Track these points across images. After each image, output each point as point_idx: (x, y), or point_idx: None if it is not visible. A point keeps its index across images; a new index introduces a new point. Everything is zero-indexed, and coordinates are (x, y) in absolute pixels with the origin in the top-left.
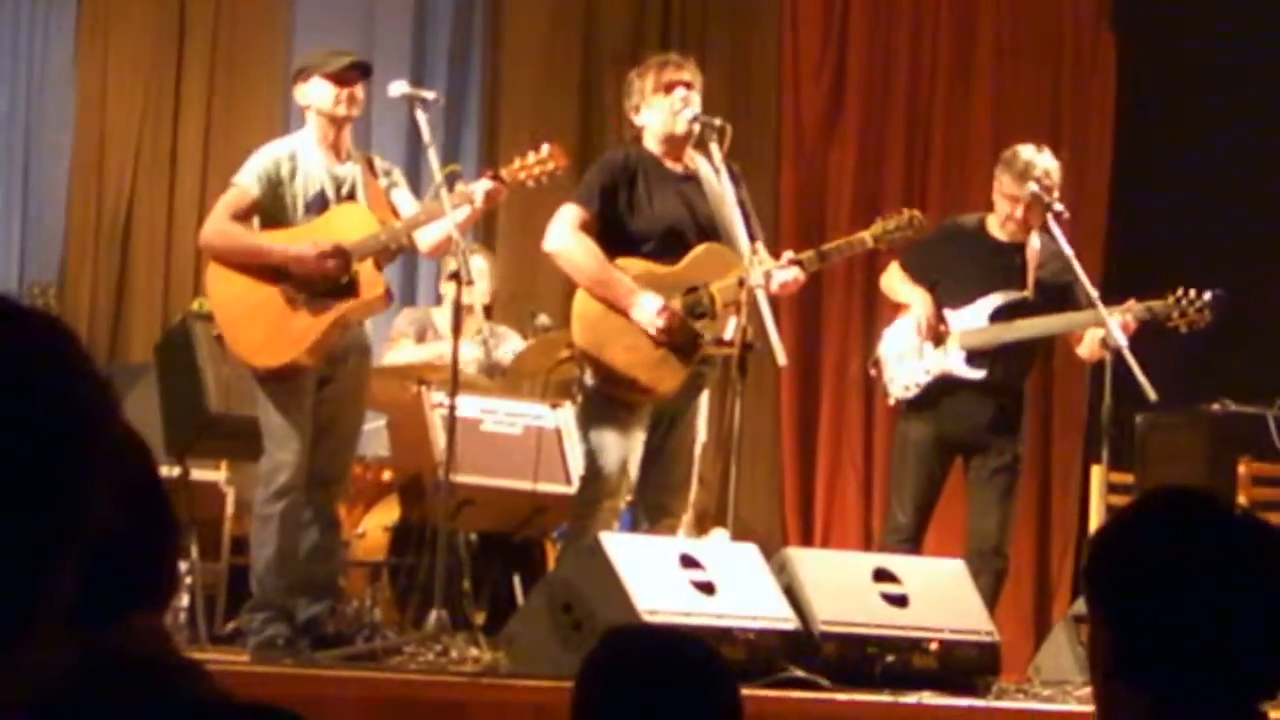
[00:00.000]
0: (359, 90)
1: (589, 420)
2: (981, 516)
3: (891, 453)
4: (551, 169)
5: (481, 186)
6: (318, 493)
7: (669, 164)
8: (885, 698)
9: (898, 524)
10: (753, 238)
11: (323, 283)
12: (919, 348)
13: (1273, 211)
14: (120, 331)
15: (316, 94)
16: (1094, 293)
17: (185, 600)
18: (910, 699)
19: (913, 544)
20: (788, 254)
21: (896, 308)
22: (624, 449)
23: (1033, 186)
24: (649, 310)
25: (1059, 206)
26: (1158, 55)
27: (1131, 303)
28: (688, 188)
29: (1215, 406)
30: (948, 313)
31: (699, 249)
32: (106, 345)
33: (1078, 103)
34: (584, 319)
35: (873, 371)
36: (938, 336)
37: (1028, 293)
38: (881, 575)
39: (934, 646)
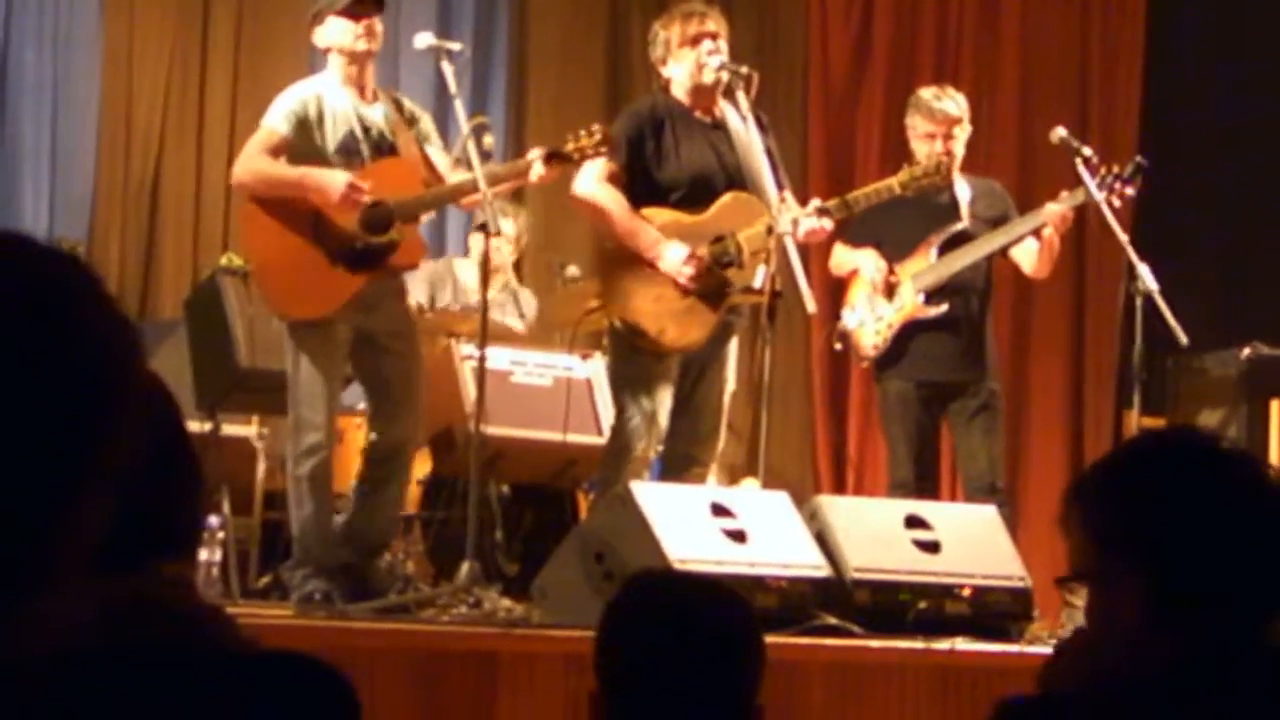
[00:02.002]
0: (376, 23)
1: (617, 371)
2: (970, 459)
3: (879, 414)
4: (604, 151)
5: (538, 165)
6: (387, 449)
7: (698, 114)
8: (918, 644)
9: (899, 479)
10: (780, 186)
11: (350, 240)
12: (875, 305)
13: None
14: (150, 288)
15: (334, 33)
16: (1023, 231)
17: (218, 555)
18: (943, 645)
19: (918, 497)
20: (815, 202)
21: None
22: (653, 400)
23: (1061, 131)
24: (675, 259)
25: (1088, 151)
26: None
27: (1063, 194)
28: (716, 137)
29: (1246, 349)
30: (897, 266)
31: (726, 197)
32: (136, 302)
33: (1106, 45)
34: (609, 270)
35: (838, 345)
36: (891, 288)
37: (965, 224)
38: (913, 522)
39: (966, 592)
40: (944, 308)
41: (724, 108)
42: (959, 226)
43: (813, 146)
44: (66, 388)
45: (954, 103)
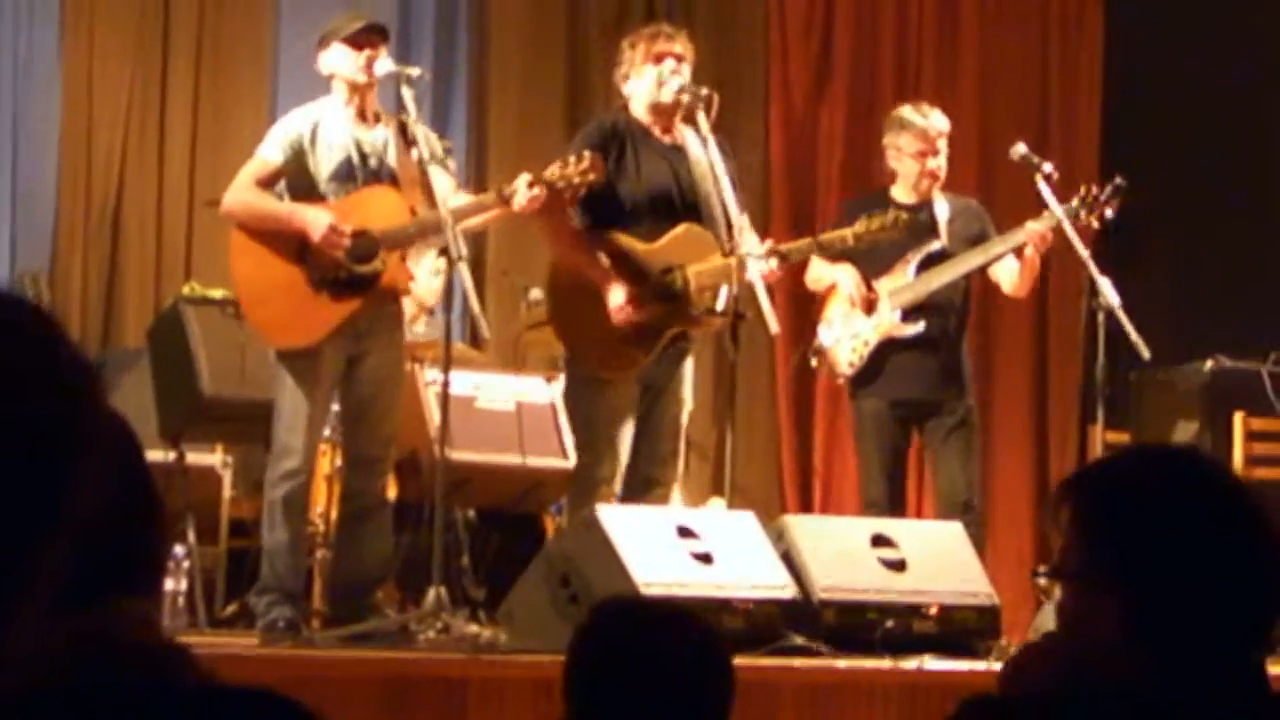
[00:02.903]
0: (380, 53)
1: (573, 398)
2: (946, 478)
3: (853, 432)
4: (591, 179)
5: (522, 192)
6: (360, 473)
7: (657, 134)
8: (886, 663)
9: (871, 499)
10: (740, 211)
11: (335, 269)
12: (853, 321)
13: (1263, 172)
14: (113, 318)
15: (338, 60)
16: (1001, 250)
17: (184, 584)
18: (911, 664)
19: (890, 515)
20: (768, 243)
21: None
22: (611, 424)
23: (1021, 148)
24: (615, 300)
25: (1048, 167)
26: (1145, 17)
27: (1045, 213)
28: (675, 158)
29: (1210, 363)
30: (875, 283)
31: (679, 229)
32: (99, 332)
33: (1065, 64)
34: (557, 292)
35: (814, 361)
36: (869, 304)
37: (944, 242)
38: (879, 540)
39: (934, 610)
40: (920, 326)
41: (683, 132)
42: (937, 244)
43: (774, 168)
44: (23, 436)
45: (939, 116)
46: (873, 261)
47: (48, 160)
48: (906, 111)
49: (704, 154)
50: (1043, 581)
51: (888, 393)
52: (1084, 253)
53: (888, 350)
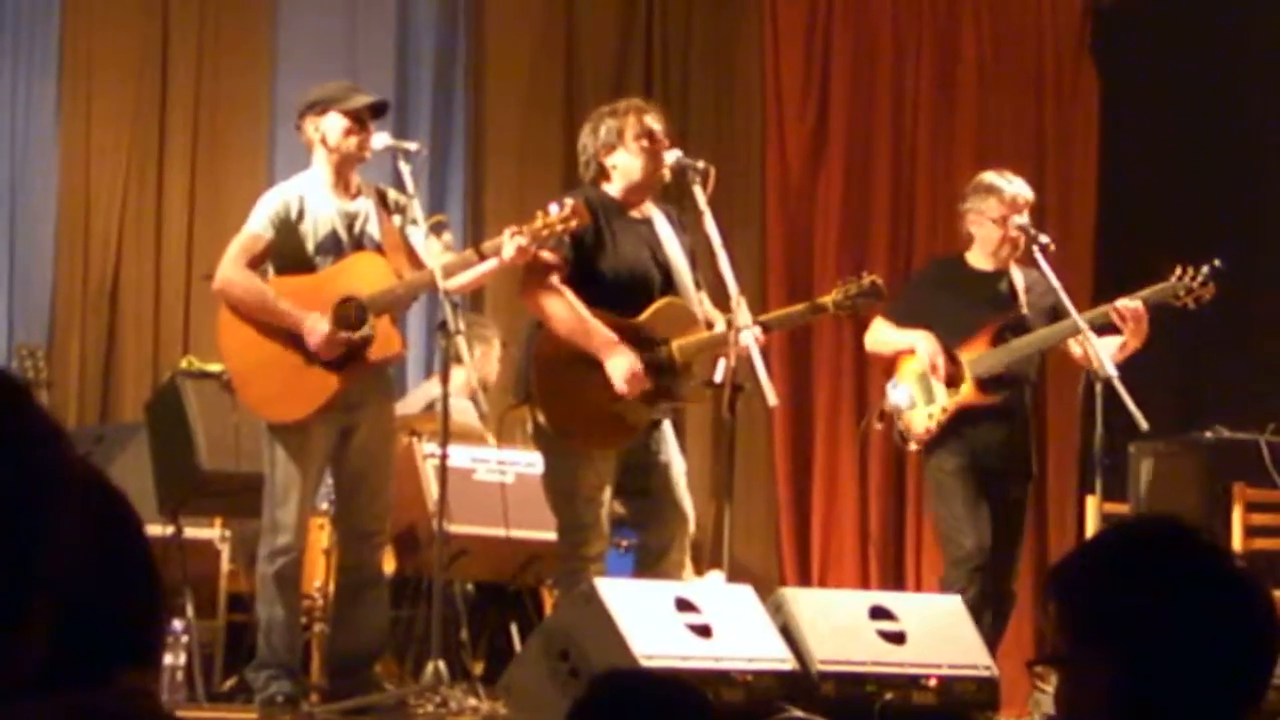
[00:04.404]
0: (372, 131)
1: (555, 475)
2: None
3: (926, 495)
4: (574, 225)
5: (508, 245)
6: (357, 546)
7: (629, 211)
8: None
9: (965, 552)
10: (698, 286)
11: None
12: (928, 390)
13: (1258, 236)
14: (110, 392)
15: (330, 129)
16: (1085, 324)
17: (182, 658)
18: None
19: (984, 571)
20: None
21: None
22: (594, 501)
23: (1020, 219)
24: (622, 369)
25: (1045, 239)
26: (1140, 81)
27: (1143, 292)
28: (647, 233)
29: (1208, 434)
30: (957, 352)
31: (661, 303)
32: (97, 406)
33: (1061, 131)
34: (543, 366)
35: (878, 425)
36: (950, 376)
37: (1024, 309)
38: (878, 613)
39: (933, 683)
40: (998, 398)
41: (650, 207)
42: (1017, 314)
43: (770, 239)
44: None
45: (1023, 184)
46: (949, 328)
47: (45, 234)
48: (992, 177)
49: (671, 229)
50: (1039, 669)
51: (968, 452)
52: (1082, 324)
53: (962, 419)
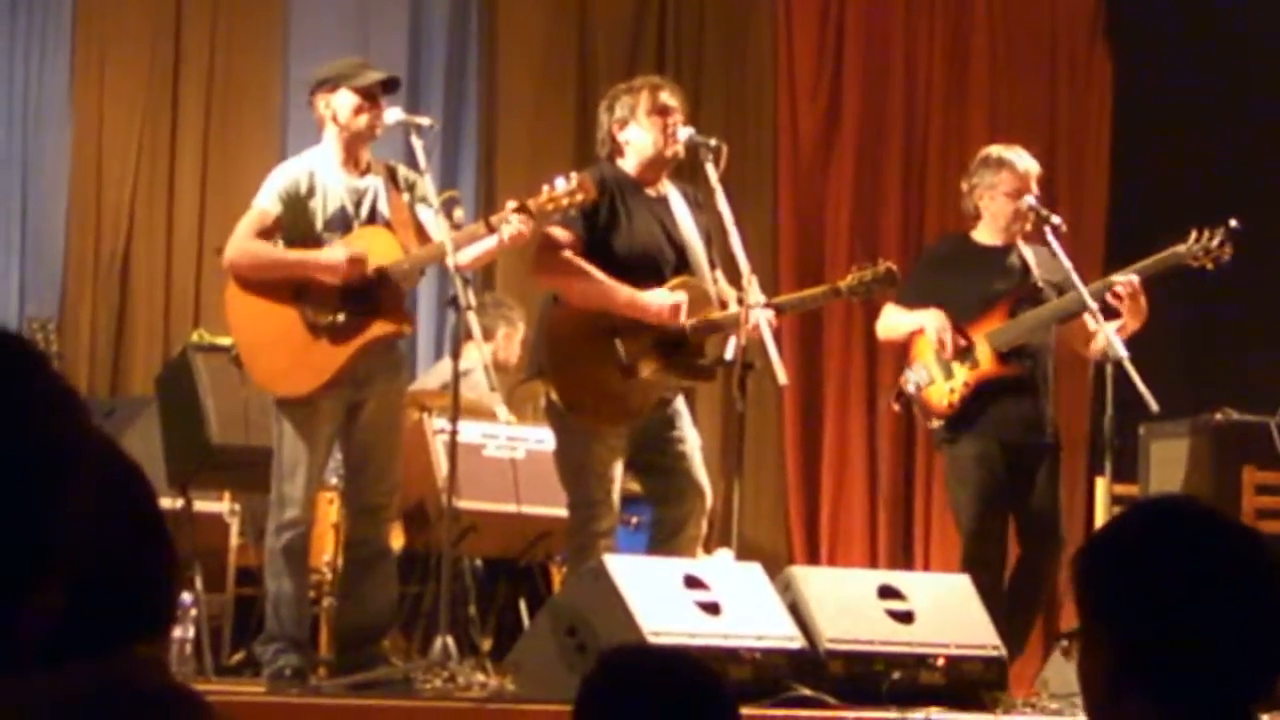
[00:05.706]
0: (383, 107)
1: (566, 450)
2: (1038, 509)
3: (947, 481)
4: (580, 200)
5: (511, 227)
6: (364, 521)
7: (644, 187)
8: (892, 714)
9: (986, 531)
10: (713, 265)
11: (332, 311)
12: (945, 366)
13: (1270, 218)
14: (121, 365)
15: (341, 105)
16: (1094, 304)
17: (191, 632)
18: (918, 715)
19: (1006, 548)
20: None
21: (897, 346)
22: (605, 477)
23: (1030, 199)
24: (660, 300)
25: (1056, 219)
26: (1153, 65)
27: (1141, 263)
28: (661, 211)
29: (1217, 416)
30: (968, 328)
31: (675, 281)
32: (108, 379)
33: (1074, 113)
34: (555, 342)
35: (896, 406)
36: (960, 351)
37: (1036, 280)
38: (887, 592)
39: (940, 662)
40: (1020, 368)
41: (666, 185)
42: (1030, 284)
43: (782, 218)
44: (4, 472)
45: (1031, 158)
46: (960, 306)
47: (57, 209)
48: (1001, 150)
49: (686, 208)
50: (1065, 643)
51: (987, 437)
52: (1092, 305)
53: (985, 394)
